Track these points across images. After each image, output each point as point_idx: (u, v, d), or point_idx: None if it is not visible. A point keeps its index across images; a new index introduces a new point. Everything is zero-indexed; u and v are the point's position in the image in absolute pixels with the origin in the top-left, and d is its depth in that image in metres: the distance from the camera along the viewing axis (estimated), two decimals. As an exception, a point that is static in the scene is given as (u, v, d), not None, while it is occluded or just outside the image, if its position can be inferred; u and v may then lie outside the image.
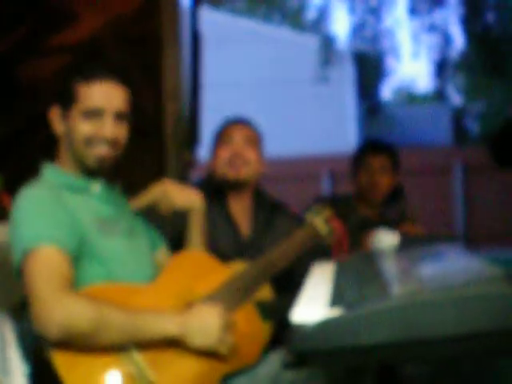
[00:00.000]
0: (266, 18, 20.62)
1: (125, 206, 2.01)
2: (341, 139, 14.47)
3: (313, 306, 1.55)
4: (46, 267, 1.68)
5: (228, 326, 1.80)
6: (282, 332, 1.72)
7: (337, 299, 1.58)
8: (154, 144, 3.42)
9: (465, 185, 11.75)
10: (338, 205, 2.96)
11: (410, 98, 26.67)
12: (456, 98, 20.45)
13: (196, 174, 3.48)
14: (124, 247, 1.88)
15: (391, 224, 2.82)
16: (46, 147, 1.96)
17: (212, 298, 1.90)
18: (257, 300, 2.03)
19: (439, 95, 19.03)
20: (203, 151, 3.04)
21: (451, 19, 11.53)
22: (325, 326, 1.43)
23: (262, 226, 2.49)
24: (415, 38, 12.57)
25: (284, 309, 1.77)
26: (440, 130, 16.67)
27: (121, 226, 1.91)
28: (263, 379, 1.89)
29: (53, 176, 1.89)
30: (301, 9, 20.52)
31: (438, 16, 11.53)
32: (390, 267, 1.84)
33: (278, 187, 8.35)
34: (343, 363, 1.55)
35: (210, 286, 1.94)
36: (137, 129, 2.00)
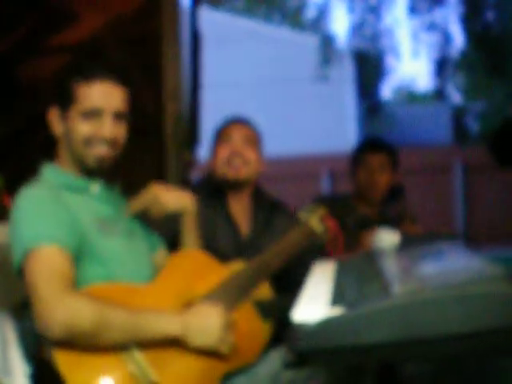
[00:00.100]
0: (266, 17, 20.62)
1: (123, 206, 2.01)
2: (341, 138, 14.46)
3: (314, 305, 1.55)
4: (47, 267, 1.68)
5: (228, 326, 1.80)
6: (282, 331, 1.72)
7: (338, 298, 1.58)
8: (154, 144, 3.42)
9: (465, 184, 11.75)
10: (336, 204, 2.96)
11: (409, 97, 26.66)
12: (456, 97, 20.44)
13: (196, 174, 3.48)
14: (123, 247, 1.89)
15: (391, 223, 2.82)
16: (46, 147, 1.96)
17: (210, 297, 1.90)
18: (256, 299, 2.03)
19: (439, 94, 19.01)
20: (203, 151, 3.04)
21: (451, 18, 11.53)
22: (326, 325, 1.43)
23: (262, 225, 2.49)
24: (415, 37, 12.56)
25: (283, 308, 1.77)
26: (440, 129, 16.67)
27: (120, 226, 1.92)
28: (263, 378, 1.89)
29: (52, 176, 1.89)
30: (300, 8, 20.51)
31: (438, 15, 11.52)
32: (391, 266, 1.84)
33: (278, 187, 8.34)
34: (344, 362, 1.55)
35: (209, 285, 1.95)
36: (137, 129, 2.00)
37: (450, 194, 11.79)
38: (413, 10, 11.71)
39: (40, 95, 3.22)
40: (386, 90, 23.32)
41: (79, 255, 1.77)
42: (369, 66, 15.89)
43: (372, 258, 2.02)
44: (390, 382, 1.91)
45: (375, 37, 12.71)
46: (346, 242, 2.46)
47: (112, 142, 1.88)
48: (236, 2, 19.39)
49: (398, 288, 1.53)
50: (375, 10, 12.40)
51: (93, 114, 1.86)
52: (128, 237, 1.92)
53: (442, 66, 12.86)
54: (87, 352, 1.64)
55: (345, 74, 14.93)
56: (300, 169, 12.06)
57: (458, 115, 18.84)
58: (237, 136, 2.47)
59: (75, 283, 1.72)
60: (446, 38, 11.72)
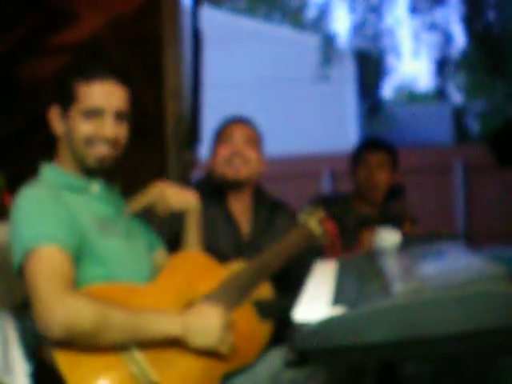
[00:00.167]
0: (267, 16, 20.63)
1: (123, 206, 2.01)
2: (341, 138, 14.46)
3: (315, 304, 1.55)
4: (47, 267, 1.68)
5: (228, 326, 1.80)
6: (282, 331, 1.72)
7: (339, 298, 1.58)
8: (154, 143, 3.42)
9: (465, 183, 11.74)
10: (334, 204, 2.97)
11: (410, 96, 26.65)
12: (457, 97, 20.44)
13: (197, 174, 3.48)
14: (123, 248, 1.89)
15: (391, 222, 2.82)
16: (46, 147, 1.96)
17: (210, 297, 1.90)
18: (256, 299, 2.03)
19: (440, 94, 18.99)
20: (204, 150, 3.04)
21: (452, 18, 11.53)
22: (327, 325, 1.43)
23: (263, 225, 2.49)
24: (416, 37, 12.57)
25: (283, 308, 1.77)
26: (441, 129, 16.66)
27: (119, 226, 1.92)
28: (263, 378, 1.89)
29: (52, 176, 1.89)
30: (301, 7, 20.52)
31: (439, 14, 11.53)
32: (392, 266, 1.84)
33: (279, 186, 8.33)
34: (345, 362, 1.55)
35: (209, 286, 1.95)
36: (137, 128, 2.00)
37: (450, 193, 11.78)
38: (414, 9, 11.72)
39: (40, 95, 3.22)
40: (387, 90, 23.32)
41: (79, 255, 1.77)
42: (370, 65, 15.88)
43: (373, 257, 2.03)
44: (390, 382, 1.90)
45: (376, 36, 12.70)
46: (346, 242, 2.46)
47: (113, 142, 1.88)
48: (237, 1, 19.40)
49: (398, 288, 1.53)
50: (376, 10, 12.40)
51: (94, 114, 1.87)
52: (127, 237, 1.92)
53: (442, 65, 12.85)
54: (87, 352, 1.64)
55: (345, 73, 14.92)
56: (301, 168, 12.05)
57: (459, 115, 18.84)
58: (237, 136, 2.46)
59: (75, 283, 1.72)
60: (447, 38, 11.72)
